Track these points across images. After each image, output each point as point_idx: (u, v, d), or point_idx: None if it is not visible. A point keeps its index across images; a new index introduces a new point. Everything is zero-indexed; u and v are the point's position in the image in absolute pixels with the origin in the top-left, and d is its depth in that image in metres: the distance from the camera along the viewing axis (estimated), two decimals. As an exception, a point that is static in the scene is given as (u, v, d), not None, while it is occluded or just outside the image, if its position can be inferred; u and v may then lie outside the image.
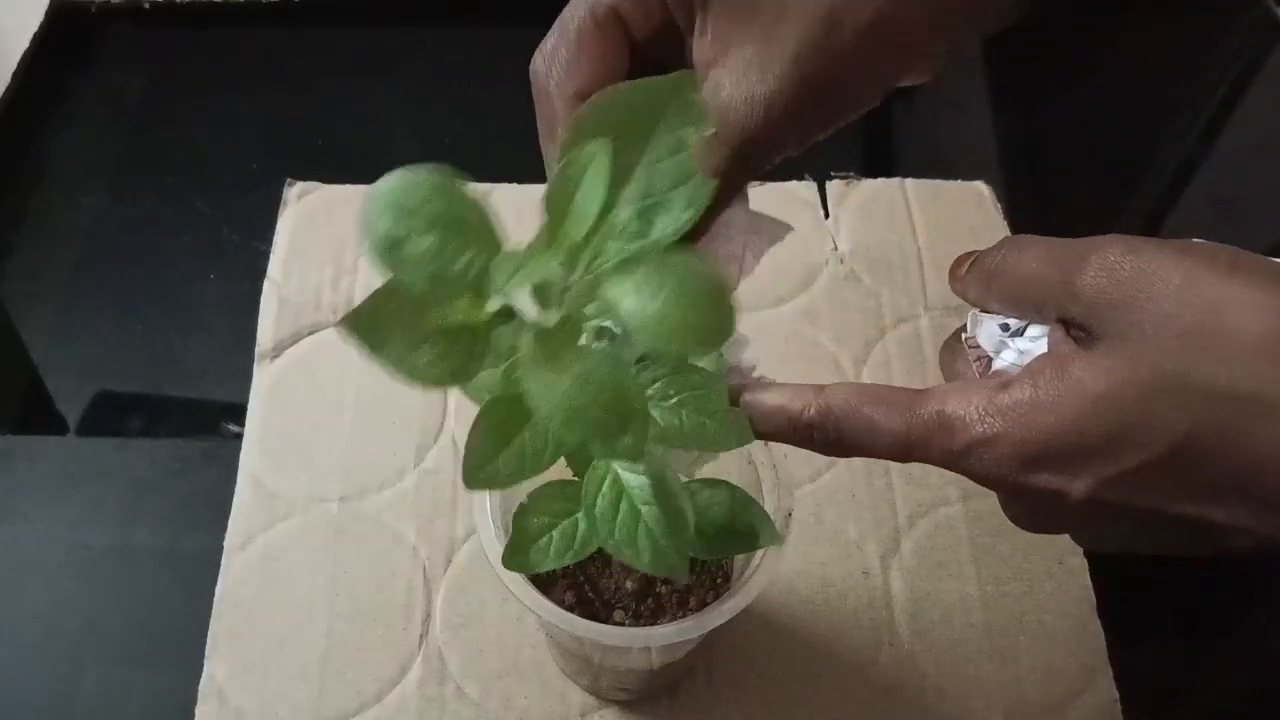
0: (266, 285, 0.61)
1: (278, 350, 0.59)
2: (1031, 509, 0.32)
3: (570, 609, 0.39)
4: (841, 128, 0.34)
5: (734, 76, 0.31)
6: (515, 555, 0.36)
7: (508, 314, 0.30)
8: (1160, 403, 0.27)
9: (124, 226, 0.66)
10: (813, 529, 0.54)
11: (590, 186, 0.28)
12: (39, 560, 0.54)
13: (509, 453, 0.32)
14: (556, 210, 0.29)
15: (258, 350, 0.59)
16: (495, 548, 0.39)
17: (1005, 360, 0.33)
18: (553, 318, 0.29)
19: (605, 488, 0.34)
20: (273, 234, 0.63)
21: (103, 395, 0.60)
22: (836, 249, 0.63)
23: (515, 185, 0.65)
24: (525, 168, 0.65)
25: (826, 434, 0.33)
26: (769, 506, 0.40)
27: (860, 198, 0.65)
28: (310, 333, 0.60)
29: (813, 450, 0.33)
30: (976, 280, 0.33)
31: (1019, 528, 0.33)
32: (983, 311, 0.34)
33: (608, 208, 0.29)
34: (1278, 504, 0.27)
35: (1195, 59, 0.74)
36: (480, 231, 0.28)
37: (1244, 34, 0.75)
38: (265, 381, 0.58)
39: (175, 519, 0.55)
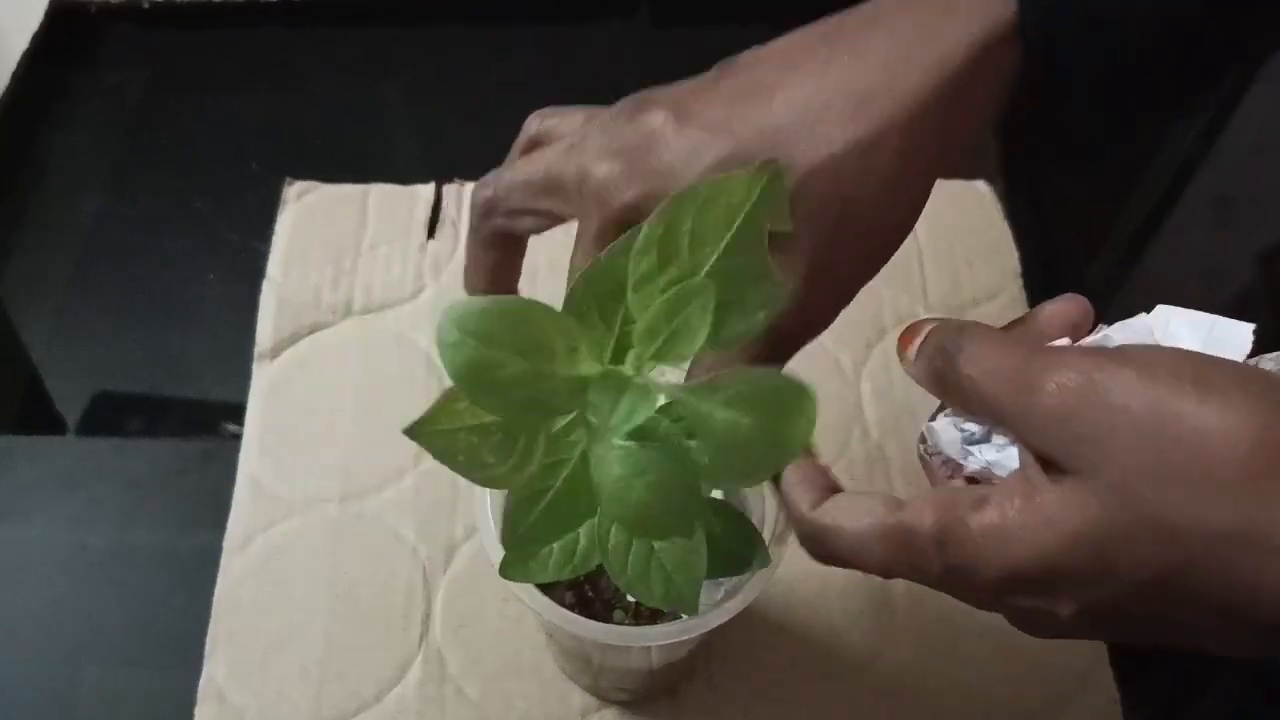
0: (266, 285, 0.61)
1: (277, 350, 0.59)
2: (1027, 622, 0.31)
3: (570, 609, 0.39)
4: None
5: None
6: (514, 565, 0.36)
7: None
8: (1140, 543, 0.26)
9: (124, 226, 0.66)
10: (813, 529, 0.54)
11: (696, 322, 0.28)
12: (39, 560, 0.54)
13: (555, 547, 0.33)
14: (652, 331, 0.29)
15: (257, 350, 0.59)
16: (497, 548, 0.39)
17: (974, 464, 0.32)
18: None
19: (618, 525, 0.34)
20: (272, 234, 0.63)
21: (102, 395, 0.60)
22: (836, 249, 0.63)
23: (515, 185, 0.65)
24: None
25: (814, 547, 0.34)
26: (770, 508, 0.40)
27: (860, 198, 0.65)
28: (309, 332, 0.60)
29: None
30: (928, 376, 0.32)
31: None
32: (942, 413, 0.33)
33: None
34: (1276, 625, 0.26)
35: (1195, 59, 0.74)
36: (567, 356, 0.28)
37: (1244, 34, 0.75)
38: (264, 381, 0.58)
39: (175, 519, 0.55)
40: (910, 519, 0.30)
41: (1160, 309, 0.32)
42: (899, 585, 0.52)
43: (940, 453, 0.33)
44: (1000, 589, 0.29)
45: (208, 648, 0.51)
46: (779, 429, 0.28)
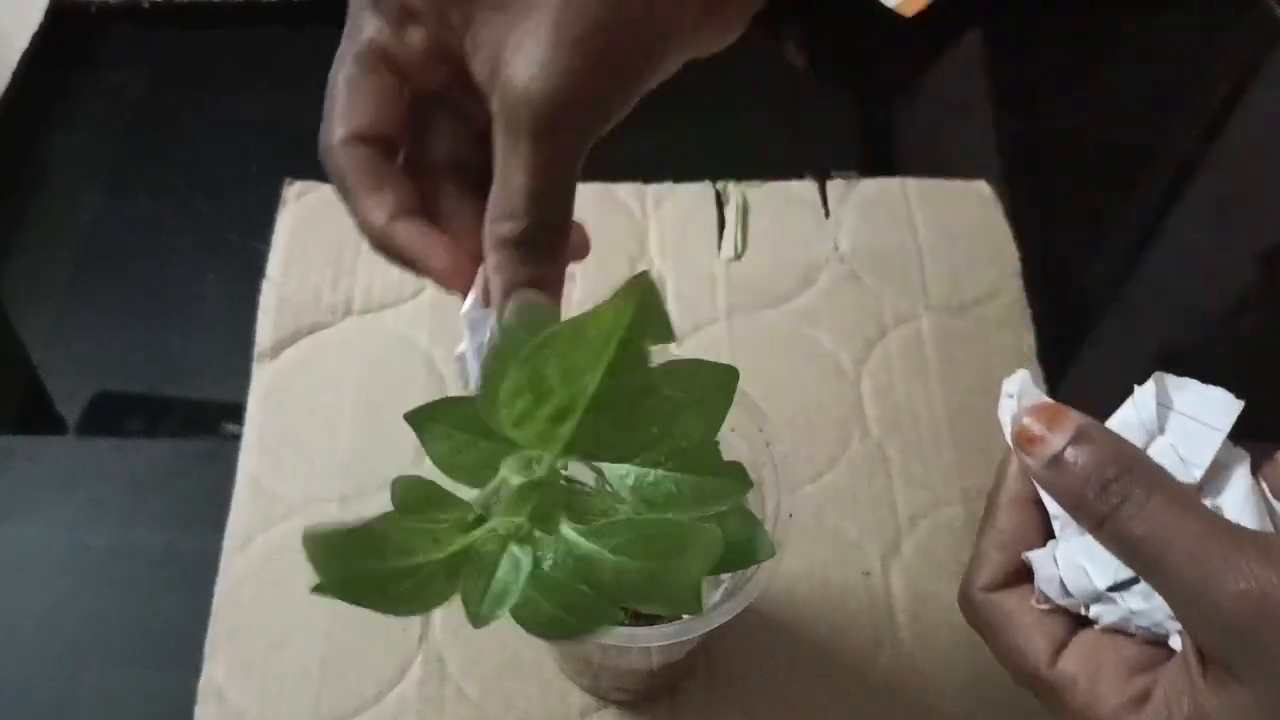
0: (265, 285, 0.61)
1: (277, 350, 0.59)
2: None
3: (570, 609, 0.39)
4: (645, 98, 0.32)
5: (509, 66, 0.30)
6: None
7: (480, 521, 0.30)
8: None
9: (124, 226, 0.66)
10: (813, 530, 0.54)
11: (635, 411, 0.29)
12: (39, 560, 0.54)
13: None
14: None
15: (257, 350, 0.59)
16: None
17: (1110, 617, 0.31)
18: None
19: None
20: (272, 234, 0.63)
21: (102, 395, 0.60)
22: (837, 249, 0.63)
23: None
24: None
25: (970, 619, 0.34)
26: (769, 508, 0.40)
27: (860, 197, 0.65)
28: (309, 332, 0.60)
29: None
30: (1075, 504, 0.30)
31: None
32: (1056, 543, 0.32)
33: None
34: None
35: (1195, 59, 0.74)
36: (433, 542, 0.28)
37: (1244, 34, 0.75)
38: (264, 381, 0.58)
39: (175, 519, 0.55)
40: (1065, 680, 0.30)
41: (1157, 376, 0.32)
42: (898, 585, 0.52)
43: (1054, 597, 0.32)
44: None
45: (208, 648, 0.51)
46: (670, 569, 0.28)
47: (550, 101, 0.29)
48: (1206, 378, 0.33)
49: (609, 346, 0.28)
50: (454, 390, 0.57)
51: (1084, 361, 0.61)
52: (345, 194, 0.33)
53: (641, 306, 0.28)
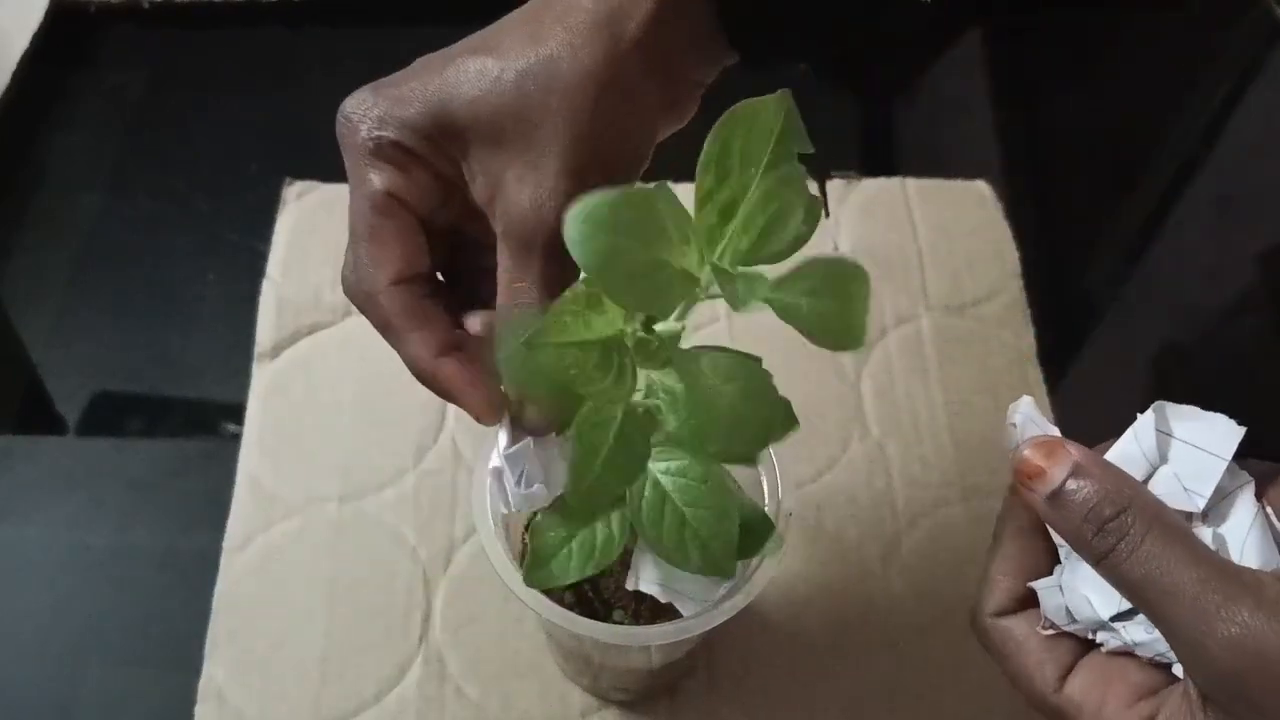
0: (265, 285, 0.61)
1: (277, 350, 0.59)
2: None
3: (570, 609, 0.39)
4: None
5: (515, 195, 0.33)
6: (536, 571, 0.36)
7: (648, 328, 0.32)
8: None
9: (123, 226, 0.66)
10: (813, 530, 0.54)
11: (791, 210, 0.30)
12: (39, 560, 0.54)
13: (573, 546, 0.35)
14: (747, 225, 0.30)
15: (257, 350, 0.59)
16: (496, 547, 0.39)
17: (1115, 642, 0.32)
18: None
19: (648, 492, 0.35)
20: (272, 234, 0.63)
21: (102, 395, 0.60)
22: (837, 249, 0.63)
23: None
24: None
25: (982, 642, 0.34)
26: (770, 507, 0.40)
27: (860, 198, 0.65)
28: (309, 332, 0.60)
29: None
30: (1076, 539, 0.30)
31: None
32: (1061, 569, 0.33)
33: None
34: None
35: (1195, 59, 0.74)
36: (679, 247, 0.29)
37: (1244, 34, 0.75)
38: (264, 381, 0.58)
39: (175, 519, 0.55)
40: (1068, 710, 0.31)
41: (1158, 405, 0.32)
42: (898, 585, 0.52)
43: (1060, 623, 0.33)
44: None
45: (208, 648, 0.51)
46: (847, 309, 0.30)
47: (557, 225, 0.32)
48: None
49: (772, 137, 0.30)
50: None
51: (1084, 361, 0.61)
52: (390, 334, 0.35)
53: (789, 112, 0.31)
